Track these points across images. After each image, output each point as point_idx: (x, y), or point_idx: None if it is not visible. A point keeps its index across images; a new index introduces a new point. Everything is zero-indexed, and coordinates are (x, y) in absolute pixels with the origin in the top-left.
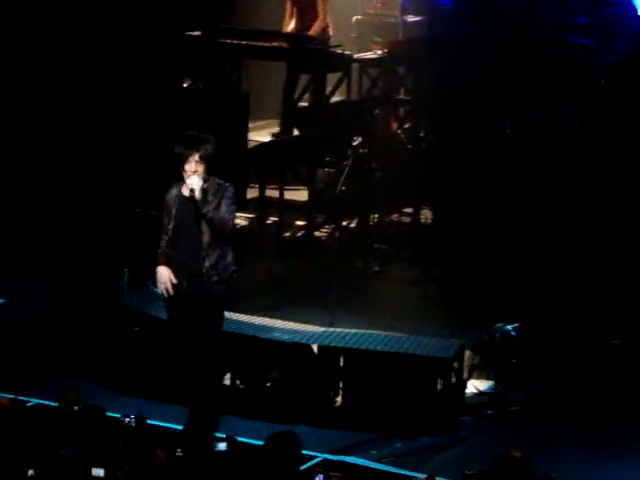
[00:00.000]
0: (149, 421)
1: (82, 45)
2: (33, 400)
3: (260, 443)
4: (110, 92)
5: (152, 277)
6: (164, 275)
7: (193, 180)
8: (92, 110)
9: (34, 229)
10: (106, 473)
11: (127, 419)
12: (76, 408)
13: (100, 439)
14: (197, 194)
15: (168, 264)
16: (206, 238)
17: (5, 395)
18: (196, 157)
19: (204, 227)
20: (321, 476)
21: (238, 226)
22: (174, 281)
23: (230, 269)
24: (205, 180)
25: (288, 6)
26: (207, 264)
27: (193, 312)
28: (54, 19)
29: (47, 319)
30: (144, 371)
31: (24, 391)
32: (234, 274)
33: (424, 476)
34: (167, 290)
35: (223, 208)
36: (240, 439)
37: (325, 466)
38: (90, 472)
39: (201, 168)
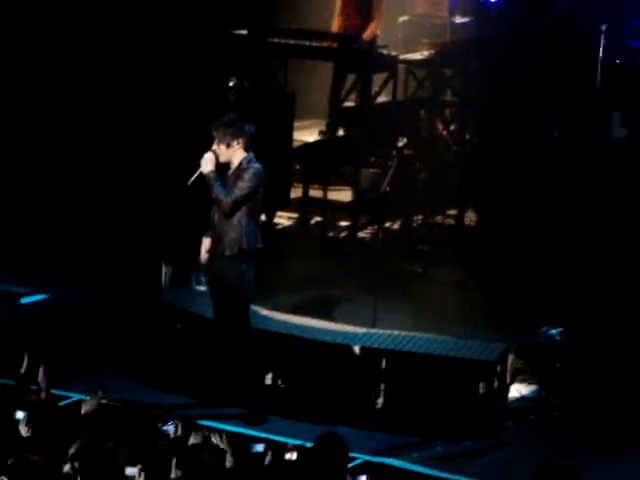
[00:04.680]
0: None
1: (131, 42)
2: (75, 396)
3: (301, 443)
4: (159, 90)
5: (195, 274)
6: (203, 244)
7: (204, 156)
8: (141, 109)
9: (79, 225)
10: (144, 469)
11: (163, 427)
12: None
13: (141, 435)
14: (203, 168)
15: (210, 237)
16: (216, 214)
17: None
18: (217, 135)
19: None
20: (363, 477)
21: (280, 226)
22: (207, 249)
23: (248, 248)
24: (225, 158)
25: (339, 5)
26: (224, 242)
27: (220, 288)
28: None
29: (90, 315)
30: (187, 368)
31: (66, 387)
32: (254, 252)
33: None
34: (201, 259)
35: (235, 187)
36: (280, 439)
37: (367, 468)
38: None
39: (219, 146)
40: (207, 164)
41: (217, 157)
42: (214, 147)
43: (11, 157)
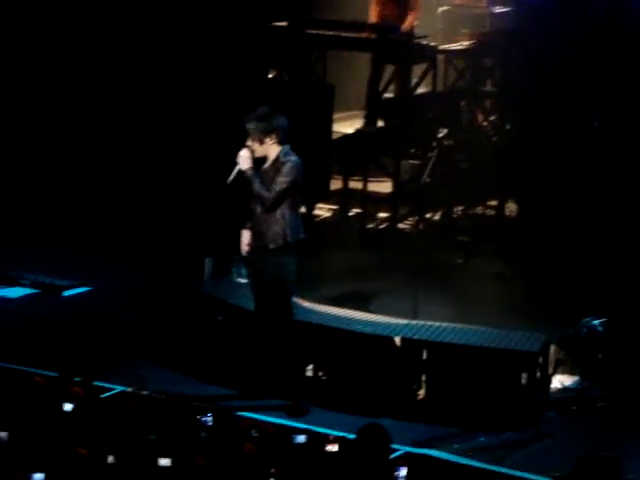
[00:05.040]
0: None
1: (171, 34)
2: (117, 387)
3: (342, 435)
4: (198, 83)
5: (236, 266)
6: (242, 237)
7: (239, 153)
8: (182, 102)
9: (123, 218)
10: (186, 460)
11: (204, 418)
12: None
13: (184, 427)
14: (241, 166)
15: (250, 230)
16: (258, 208)
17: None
18: (249, 132)
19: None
20: (404, 469)
21: (320, 218)
22: (248, 242)
23: (290, 240)
24: (261, 152)
25: None
26: (266, 235)
27: (262, 281)
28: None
29: (133, 307)
30: (228, 360)
31: (108, 379)
32: (296, 245)
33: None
34: (242, 252)
35: (275, 181)
36: (322, 430)
37: (408, 459)
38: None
39: (251, 142)
40: (244, 161)
41: (252, 153)
42: (248, 143)
43: (56, 153)
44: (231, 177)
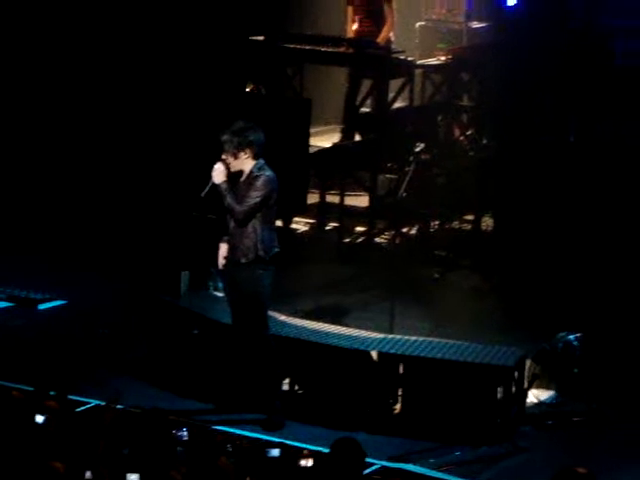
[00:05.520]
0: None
1: (146, 48)
2: (93, 401)
3: (319, 449)
4: (175, 97)
5: (213, 280)
6: (220, 250)
7: (214, 167)
8: (155, 114)
9: (96, 231)
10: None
11: (179, 432)
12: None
13: (158, 441)
14: (215, 180)
15: (227, 243)
16: (231, 222)
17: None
18: (225, 146)
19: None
20: None
21: (298, 231)
22: (224, 255)
23: (264, 254)
24: (236, 167)
25: (350, 11)
26: (240, 249)
27: (237, 294)
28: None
29: (108, 321)
30: (204, 374)
31: (83, 393)
32: (270, 258)
33: None
34: (219, 265)
35: (248, 196)
36: (297, 445)
37: (383, 474)
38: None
39: (227, 156)
40: (219, 175)
41: (227, 166)
42: (224, 156)
43: (31, 163)
44: (205, 191)
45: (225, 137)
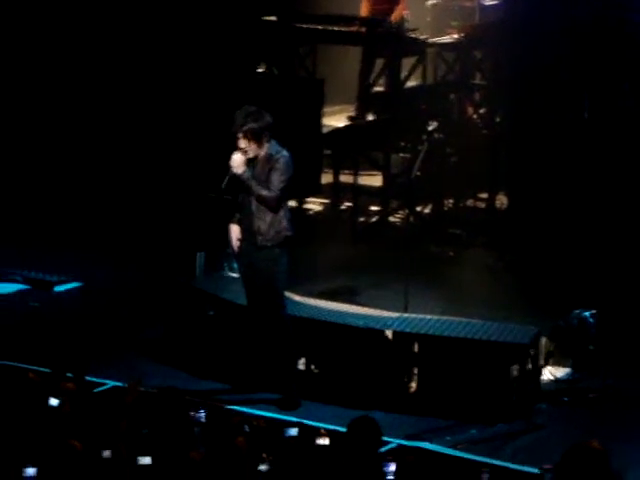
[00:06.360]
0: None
1: (158, 31)
2: (110, 382)
3: (335, 428)
4: (189, 79)
5: (228, 261)
6: (232, 232)
7: (232, 157)
8: (169, 97)
9: (113, 213)
10: (181, 454)
11: (197, 413)
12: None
13: (177, 421)
14: (236, 170)
15: (239, 224)
16: (255, 207)
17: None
18: (240, 134)
19: (253, 198)
20: (392, 464)
21: (312, 212)
22: (238, 237)
23: (282, 235)
24: (255, 153)
25: None
26: (258, 231)
27: (254, 275)
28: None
29: (124, 303)
30: (220, 355)
31: (101, 374)
32: (287, 239)
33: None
34: (233, 246)
35: (272, 179)
36: (314, 424)
37: (399, 452)
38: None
39: (246, 144)
40: (239, 166)
41: (245, 154)
42: (240, 144)
43: (46, 150)
44: (225, 182)
45: (245, 123)
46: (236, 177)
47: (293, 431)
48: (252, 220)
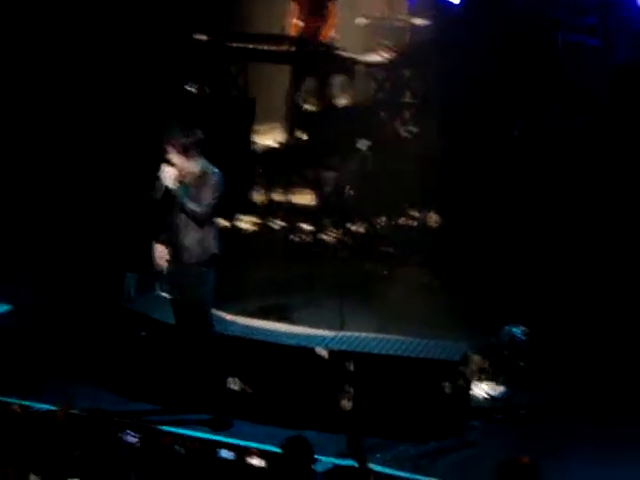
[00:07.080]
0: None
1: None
2: (43, 406)
3: (268, 448)
4: (116, 96)
5: (160, 280)
6: (156, 251)
7: (164, 169)
8: (98, 113)
9: (39, 234)
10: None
11: (128, 437)
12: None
13: (106, 443)
14: (167, 183)
15: (163, 242)
16: (183, 223)
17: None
18: (169, 147)
19: (181, 213)
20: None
21: (244, 230)
22: (163, 257)
23: (208, 252)
24: (183, 166)
25: (294, 10)
26: (185, 248)
27: (181, 294)
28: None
29: (54, 324)
30: (151, 376)
31: (32, 397)
32: (214, 257)
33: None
34: (157, 266)
35: (204, 195)
36: (246, 444)
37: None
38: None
39: (174, 157)
40: (171, 179)
41: (175, 168)
42: (171, 158)
43: None
44: (158, 193)
45: (176, 137)
46: (167, 191)
47: (225, 452)
48: (179, 237)
